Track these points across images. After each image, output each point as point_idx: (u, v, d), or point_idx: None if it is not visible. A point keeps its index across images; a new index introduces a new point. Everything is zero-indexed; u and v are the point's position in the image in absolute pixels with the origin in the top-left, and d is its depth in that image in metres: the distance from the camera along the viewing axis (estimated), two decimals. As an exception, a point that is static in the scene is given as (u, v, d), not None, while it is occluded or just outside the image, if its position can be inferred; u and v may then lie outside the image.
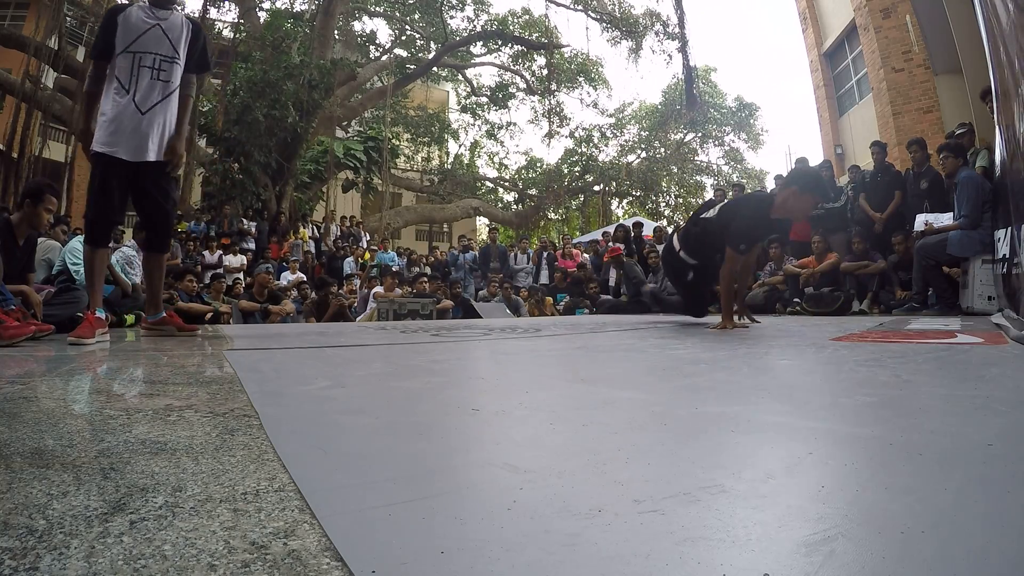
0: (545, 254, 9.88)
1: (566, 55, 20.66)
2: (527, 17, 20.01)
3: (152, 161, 2.63)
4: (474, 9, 19.39)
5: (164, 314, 2.94)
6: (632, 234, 9.20)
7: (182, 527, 0.51)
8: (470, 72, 21.13)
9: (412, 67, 17.90)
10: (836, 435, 0.86)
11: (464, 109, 23.21)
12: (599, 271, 8.69)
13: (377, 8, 18.96)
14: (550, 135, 20.29)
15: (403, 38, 19.70)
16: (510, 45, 19.43)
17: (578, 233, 18.80)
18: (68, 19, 12.63)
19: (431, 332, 3.29)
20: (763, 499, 0.57)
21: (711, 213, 3.56)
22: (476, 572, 0.43)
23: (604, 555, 0.45)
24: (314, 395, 1.23)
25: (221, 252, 8.84)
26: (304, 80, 11.44)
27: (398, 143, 18.12)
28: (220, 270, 8.16)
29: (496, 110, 22.26)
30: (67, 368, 1.68)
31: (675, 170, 22.98)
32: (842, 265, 5.89)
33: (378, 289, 7.63)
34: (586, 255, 9.51)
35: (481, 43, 19.65)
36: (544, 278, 9.42)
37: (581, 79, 21.34)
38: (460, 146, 24.03)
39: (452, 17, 19.07)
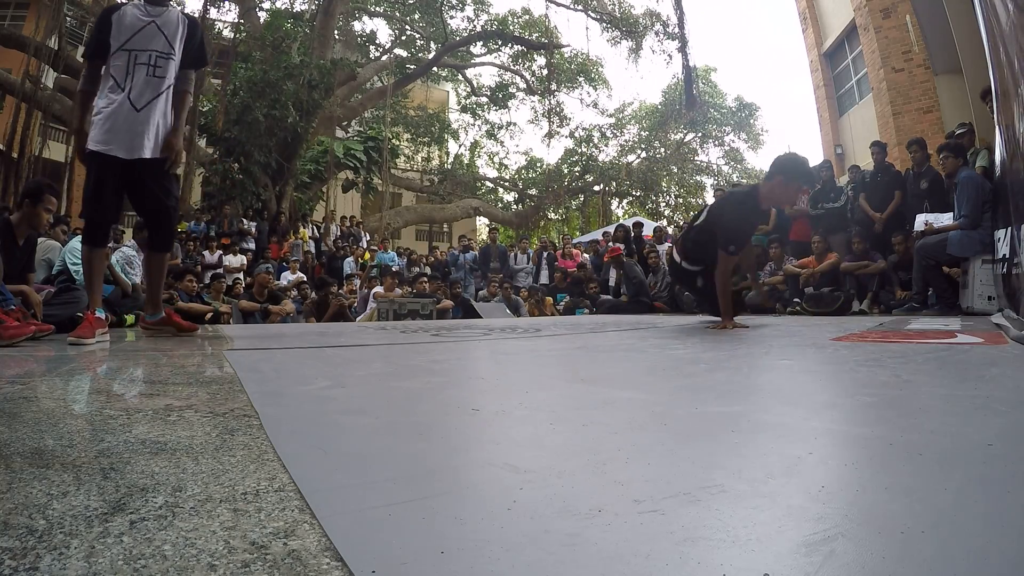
0: (545, 254, 9.87)
1: (566, 55, 20.66)
2: (527, 17, 20.04)
3: (150, 159, 2.61)
4: (474, 9, 19.44)
5: (164, 314, 2.94)
6: (632, 234, 9.20)
7: (182, 527, 0.51)
8: (470, 72, 21.18)
9: (412, 67, 17.91)
10: (836, 435, 0.86)
11: (464, 109, 23.21)
12: (599, 271, 8.69)
13: (377, 8, 18.97)
14: (550, 135, 20.30)
15: (403, 38, 19.73)
16: (510, 45, 19.43)
17: (578, 233, 18.78)
18: (68, 19, 12.62)
19: (431, 332, 3.29)
20: (763, 499, 0.57)
21: (701, 219, 3.65)
22: (476, 572, 0.43)
23: (604, 555, 0.45)
24: (314, 395, 1.23)
25: (221, 252, 8.84)
26: (304, 80, 11.44)
27: (398, 143, 18.12)
28: (220, 270, 8.15)
29: (496, 110, 22.30)
30: (67, 368, 1.68)
31: (675, 170, 22.98)
32: (842, 265, 5.89)
33: (378, 289, 7.63)
34: (586, 255, 9.51)
35: (481, 43, 19.65)
36: (544, 278, 9.41)
37: (581, 79, 21.34)
38: (460, 146, 24.09)
39: (452, 17, 19.13)
